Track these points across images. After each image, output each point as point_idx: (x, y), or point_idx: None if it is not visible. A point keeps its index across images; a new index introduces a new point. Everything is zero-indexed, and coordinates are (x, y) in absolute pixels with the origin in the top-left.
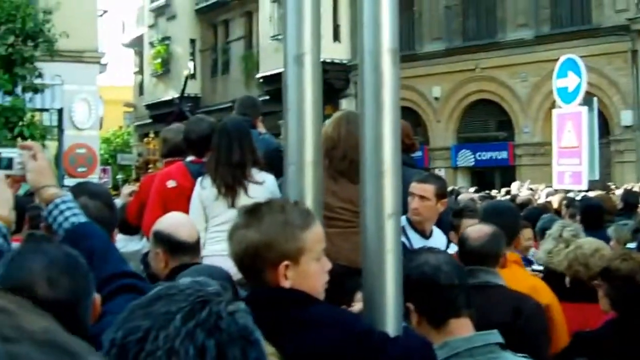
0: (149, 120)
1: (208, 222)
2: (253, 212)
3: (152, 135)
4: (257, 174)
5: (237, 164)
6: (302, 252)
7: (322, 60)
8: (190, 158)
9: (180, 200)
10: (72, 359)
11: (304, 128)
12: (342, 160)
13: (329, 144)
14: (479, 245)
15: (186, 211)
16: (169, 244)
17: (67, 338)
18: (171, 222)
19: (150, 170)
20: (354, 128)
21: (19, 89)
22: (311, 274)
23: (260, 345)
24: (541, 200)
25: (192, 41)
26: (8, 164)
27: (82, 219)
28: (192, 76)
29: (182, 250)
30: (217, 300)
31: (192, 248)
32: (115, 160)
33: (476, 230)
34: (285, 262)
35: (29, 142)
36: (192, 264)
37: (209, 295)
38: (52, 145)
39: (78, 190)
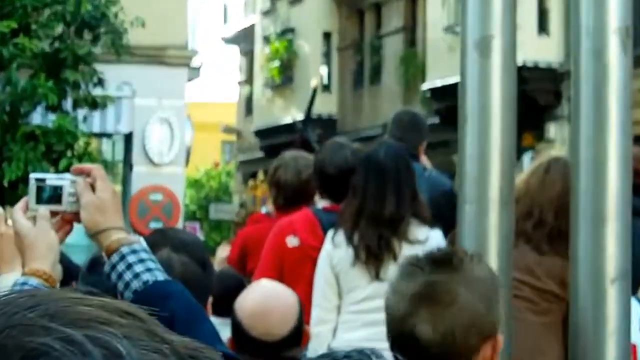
0: (260, 154)
1: (342, 299)
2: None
3: (260, 176)
4: (418, 230)
5: (391, 218)
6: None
7: (520, 63)
8: (322, 203)
9: (304, 265)
10: None
11: (489, 149)
12: (526, 219)
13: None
14: None
15: (309, 279)
16: (237, 333)
17: (213, 355)
18: (250, 304)
19: None
20: (556, 181)
21: (68, 103)
22: None
23: None
24: None
25: (327, 35)
26: (54, 195)
27: (160, 276)
28: (326, 87)
29: (254, 350)
30: None
31: (270, 347)
32: (207, 214)
33: None
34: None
35: (86, 165)
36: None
37: None
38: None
39: (158, 240)
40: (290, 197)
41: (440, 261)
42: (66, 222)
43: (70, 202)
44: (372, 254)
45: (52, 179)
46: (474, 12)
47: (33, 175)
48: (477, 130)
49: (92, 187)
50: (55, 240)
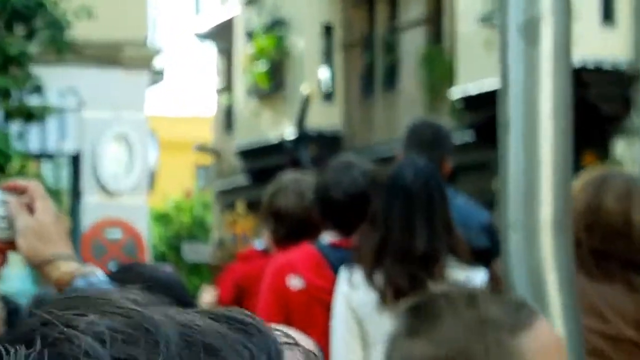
0: (243, 181)
1: (368, 350)
2: (423, 311)
3: (240, 207)
4: (455, 269)
5: (423, 254)
6: None
7: (579, 63)
8: (328, 238)
9: (313, 310)
10: None
11: (538, 160)
12: (575, 245)
13: None
14: None
15: (323, 328)
16: None
17: None
18: None
19: None
20: (586, 194)
21: None
22: None
23: None
24: None
25: (327, 29)
26: None
27: None
28: (328, 96)
29: None
30: None
31: None
32: (179, 256)
33: None
34: None
35: (20, 181)
36: None
37: None
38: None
39: (123, 278)
40: (293, 228)
41: (415, 308)
42: None
43: (2, 228)
44: (404, 296)
45: None
46: None
47: None
48: (522, 137)
49: (29, 209)
50: None
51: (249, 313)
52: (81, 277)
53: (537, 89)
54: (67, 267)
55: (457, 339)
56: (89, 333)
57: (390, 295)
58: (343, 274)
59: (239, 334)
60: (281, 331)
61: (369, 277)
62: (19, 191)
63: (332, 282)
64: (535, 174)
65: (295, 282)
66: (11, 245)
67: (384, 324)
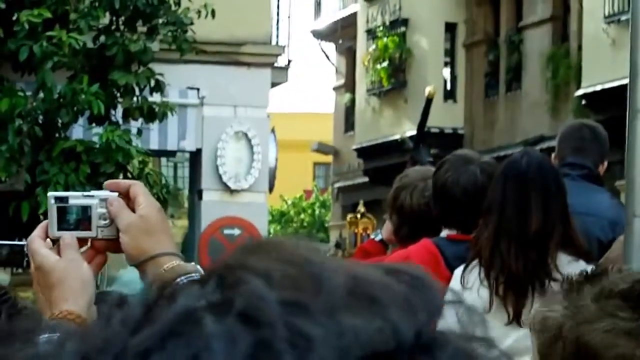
0: (363, 178)
1: None
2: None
3: (361, 208)
4: (570, 263)
5: (537, 235)
6: None
7: None
8: (446, 232)
9: None
10: None
11: None
12: None
13: None
14: None
15: None
16: None
17: None
18: None
19: None
20: None
21: (118, 112)
22: None
23: None
24: None
25: (450, 27)
26: (81, 218)
27: None
28: (449, 94)
29: None
30: None
31: None
32: None
33: None
34: None
35: (122, 181)
36: None
37: None
38: (178, 222)
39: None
40: (417, 225)
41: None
42: (98, 251)
43: (102, 226)
44: (515, 285)
45: (76, 197)
46: None
47: (52, 194)
48: None
49: (131, 206)
50: (89, 275)
51: (419, 267)
52: (184, 275)
53: None
54: (170, 264)
55: None
56: (260, 276)
57: (502, 283)
58: (457, 273)
59: (405, 288)
60: (447, 289)
61: (487, 270)
62: (120, 190)
63: (446, 278)
64: None
65: None
66: (110, 243)
67: (492, 324)
